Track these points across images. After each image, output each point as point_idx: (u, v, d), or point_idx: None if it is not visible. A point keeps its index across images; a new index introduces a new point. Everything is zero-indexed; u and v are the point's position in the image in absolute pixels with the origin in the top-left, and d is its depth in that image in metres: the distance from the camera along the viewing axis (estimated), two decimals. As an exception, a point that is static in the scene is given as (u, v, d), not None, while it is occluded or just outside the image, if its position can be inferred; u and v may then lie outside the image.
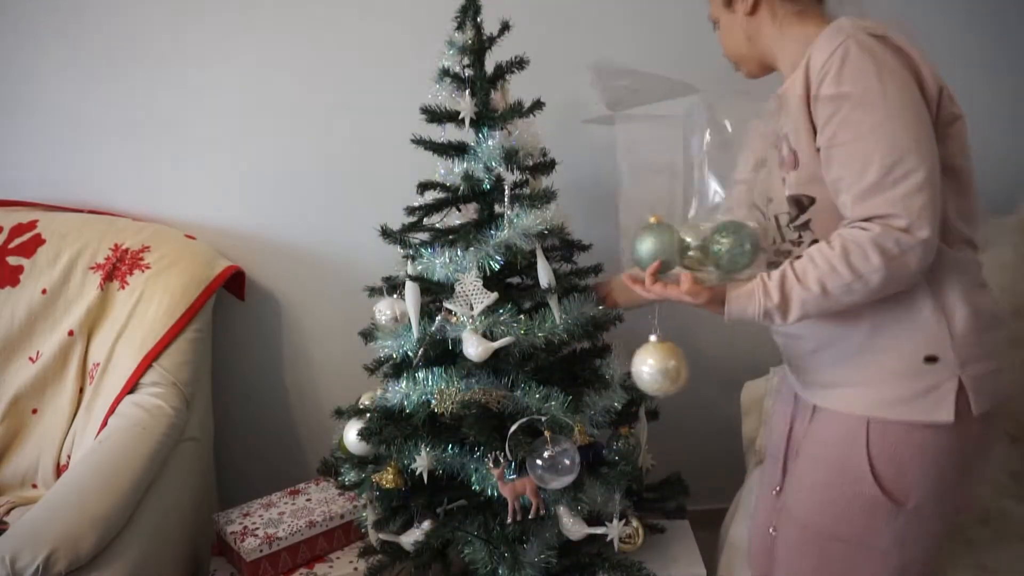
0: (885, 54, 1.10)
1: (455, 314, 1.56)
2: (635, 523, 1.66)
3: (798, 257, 1.15)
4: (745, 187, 1.26)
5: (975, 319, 1.17)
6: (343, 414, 1.74)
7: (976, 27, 2.13)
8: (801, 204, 1.19)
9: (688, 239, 1.17)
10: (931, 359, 1.16)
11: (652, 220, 1.18)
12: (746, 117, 1.26)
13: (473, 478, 1.58)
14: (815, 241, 1.18)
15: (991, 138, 2.21)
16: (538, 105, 1.56)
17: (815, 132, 1.15)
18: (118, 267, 1.91)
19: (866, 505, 1.21)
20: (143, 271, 1.90)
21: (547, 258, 1.56)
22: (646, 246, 1.17)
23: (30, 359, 1.89)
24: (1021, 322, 1.89)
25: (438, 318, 1.58)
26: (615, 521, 1.59)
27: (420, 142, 1.61)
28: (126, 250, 1.92)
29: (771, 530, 1.40)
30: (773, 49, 1.29)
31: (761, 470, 1.54)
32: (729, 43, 1.34)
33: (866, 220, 1.10)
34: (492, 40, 1.59)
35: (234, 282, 2.06)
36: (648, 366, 1.31)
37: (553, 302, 1.55)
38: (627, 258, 1.22)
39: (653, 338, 1.32)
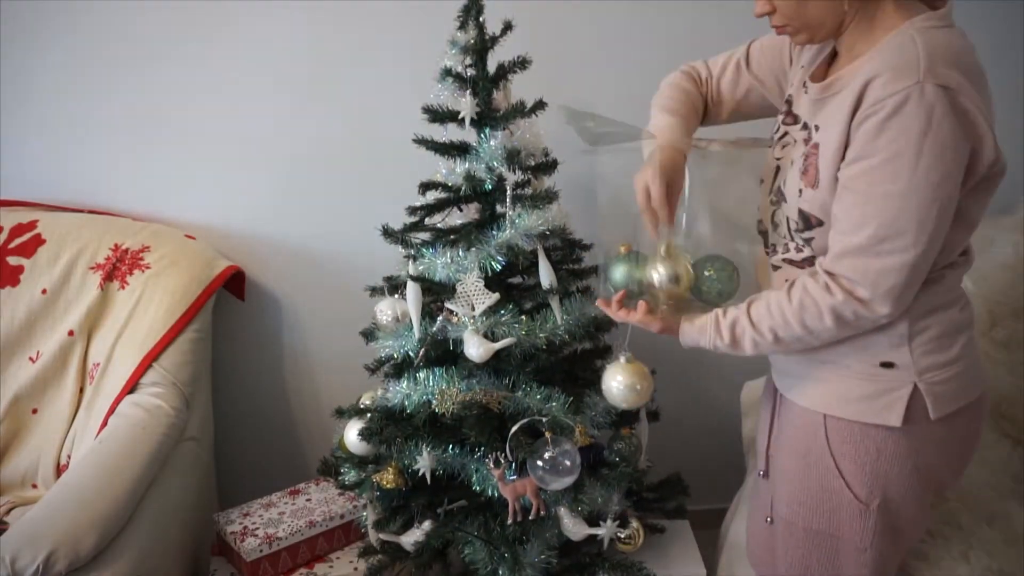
0: (944, 118, 1.03)
1: (456, 314, 1.56)
2: (635, 523, 1.66)
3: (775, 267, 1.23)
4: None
5: (938, 330, 1.18)
6: (343, 414, 1.74)
7: (976, 26, 2.13)
8: (809, 222, 1.18)
9: (662, 268, 1.25)
10: (887, 365, 1.18)
11: (622, 250, 1.30)
12: (726, 162, 1.38)
13: (474, 478, 1.58)
14: (812, 257, 1.20)
15: (991, 139, 2.22)
16: (540, 105, 1.55)
17: (843, 155, 1.11)
18: (118, 267, 1.91)
19: (836, 500, 1.24)
20: (143, 271, 1.90)
21: (549, 258, 1.56)
22: (615, 274, 1.30)
23: (30, 359, 1.89)
24: (1021, 322, 1.89)
25: (439, 318, 1.58)
26: (609, 522, 1.60)
27: (422, 142, 1.61)
28: (126, 250, 1.92)
29: (767, 519, 1.41)
30: (853, 15, 1.14)
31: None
32: (820, 5, 1.13)
33: (833, 276, 1.12)
34: (494, 40, 1.58)
35: (234, 282, 2.06)
36: (617, 382, 1.45)
37: (555, 303, 1.55)
38: (603, 281, 1.34)
39: (622, 359, 1.45)
